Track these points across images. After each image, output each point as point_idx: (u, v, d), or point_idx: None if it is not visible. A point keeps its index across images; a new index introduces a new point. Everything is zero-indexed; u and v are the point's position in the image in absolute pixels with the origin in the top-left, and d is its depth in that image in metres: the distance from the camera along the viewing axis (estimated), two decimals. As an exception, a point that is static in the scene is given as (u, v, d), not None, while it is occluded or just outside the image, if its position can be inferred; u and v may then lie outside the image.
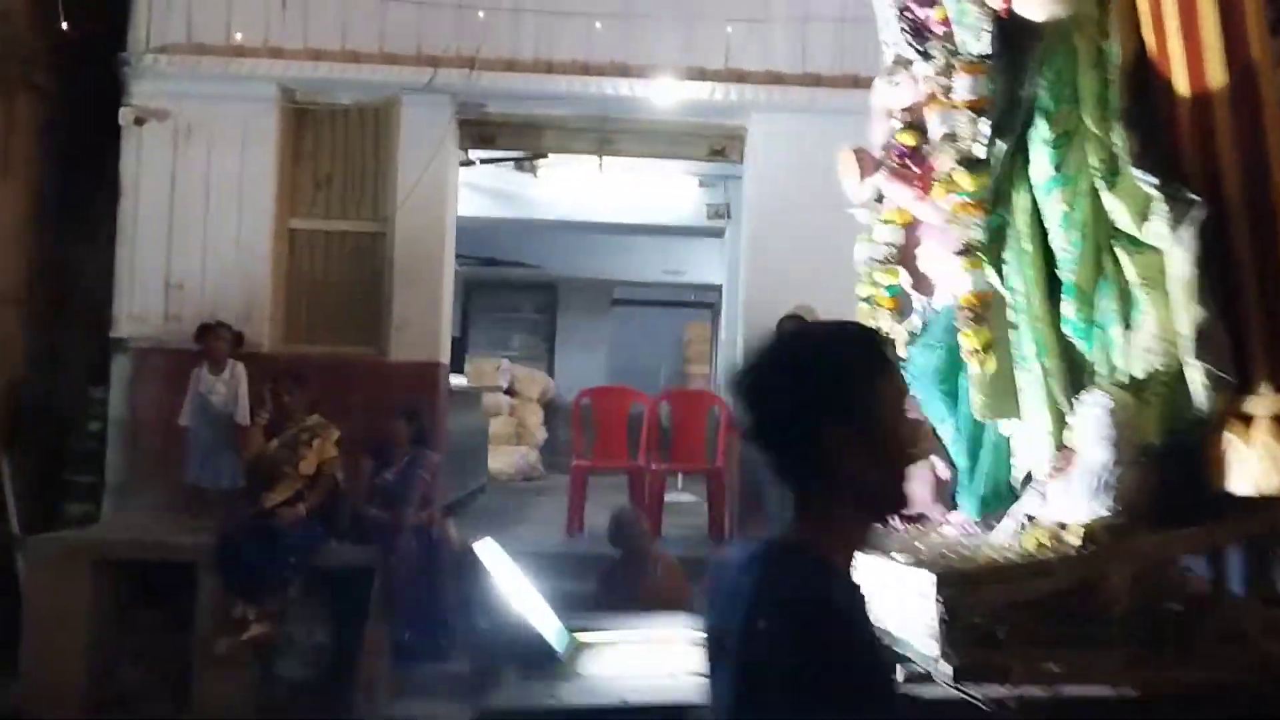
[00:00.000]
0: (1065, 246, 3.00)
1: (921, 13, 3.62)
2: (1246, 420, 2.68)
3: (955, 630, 2.54)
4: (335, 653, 7.04)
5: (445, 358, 8.79)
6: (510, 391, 13.90)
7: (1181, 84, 2.84)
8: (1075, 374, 3.05)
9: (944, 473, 3.78)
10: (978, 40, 3.06)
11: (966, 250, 3.09)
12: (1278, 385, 2.70)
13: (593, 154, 9.36)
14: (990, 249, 3.10)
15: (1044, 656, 2.51)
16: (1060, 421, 3.03)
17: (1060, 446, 3.00)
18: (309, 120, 8.54)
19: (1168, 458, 2.79)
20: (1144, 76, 2.92)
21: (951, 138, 3.17)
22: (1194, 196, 2.73)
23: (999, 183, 3.08)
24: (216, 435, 7.57)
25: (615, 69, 8.19)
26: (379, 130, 8.51)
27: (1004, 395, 3.20)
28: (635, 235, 13.06)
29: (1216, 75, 2.78)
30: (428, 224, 8.44)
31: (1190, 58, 2.79)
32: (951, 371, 3.49)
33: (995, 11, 3.01)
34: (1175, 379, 2.80)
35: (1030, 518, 2.87)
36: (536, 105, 8.58)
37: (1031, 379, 3.12)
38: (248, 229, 8.19)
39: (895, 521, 3.86)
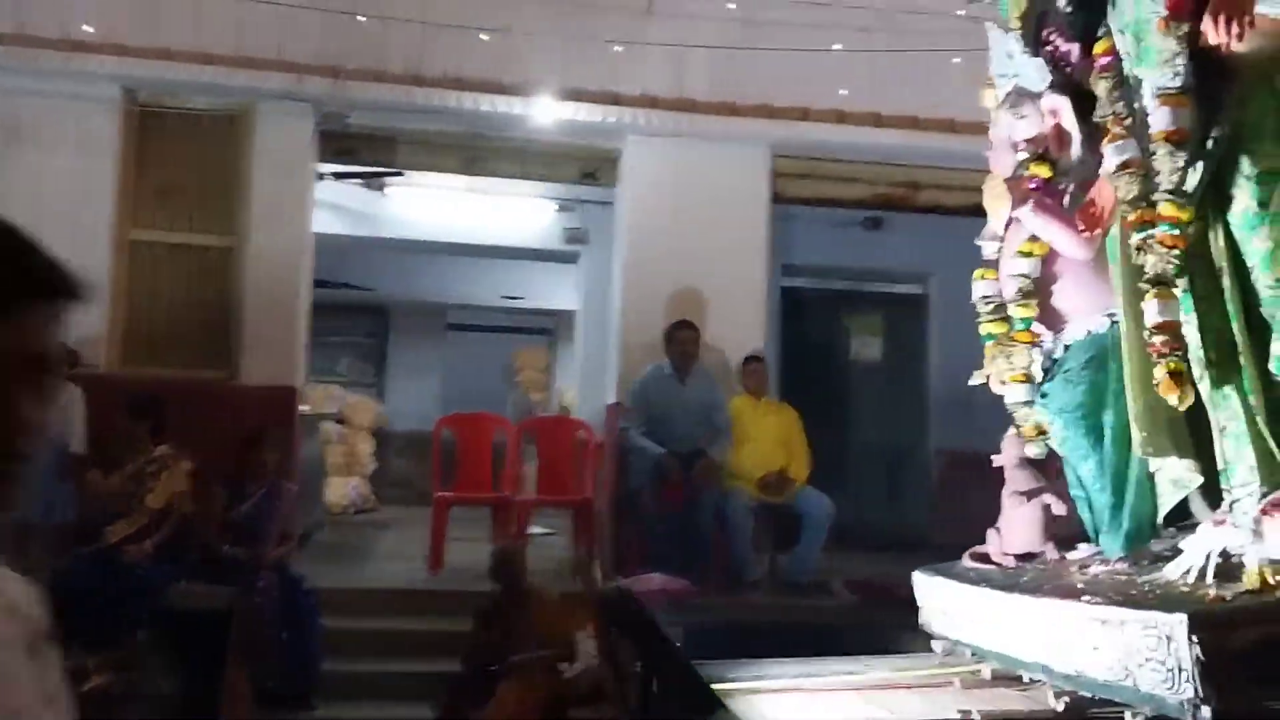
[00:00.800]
0: (1270, 284, 2.92)
1: (1065, 47, 3.58)
2: None
3: (1215, 673, 2.39)
4: (189, 704, 6.44)
5: (300, 382, 8.27)
6: (340, 419, 13.30)
7: None
8: (1277, 413, 2.97)
9: (1060, 509, 3.68)
10: (1170, 73, 3.00)
11: (1159, 281, 3.00)
12: None
13: (459, 172, 9.03)
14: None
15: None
16: (1269, 459, 2.94)
17: (1272, 484, 2.90)
18: (155, 124, 7.91)
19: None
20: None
21: (1130, 167, 3.11)
22: None
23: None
24: (48, 465, 6.85)
25: (489, 85, 7.90)
26: (233, 138, 7.96)
27: (1165, 431, 3.12)
28: (475, 258, 12.70)
29: None
30: (284, 239, 7.93)
31: None
32: (1096, 407, 3.41)
33: (1188, 45, 2.97)
34: None
35: (1226, 555, 2.76)
36: (404, 119, 8.22)
37: (1232, 416, 3.02)
38: (84, 239, 7.46)
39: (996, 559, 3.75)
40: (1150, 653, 2.53)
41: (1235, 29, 2.81)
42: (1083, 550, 3.56)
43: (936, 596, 3.66)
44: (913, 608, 3.83)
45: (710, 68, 8.09)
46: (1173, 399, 2.98)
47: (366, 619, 7.12)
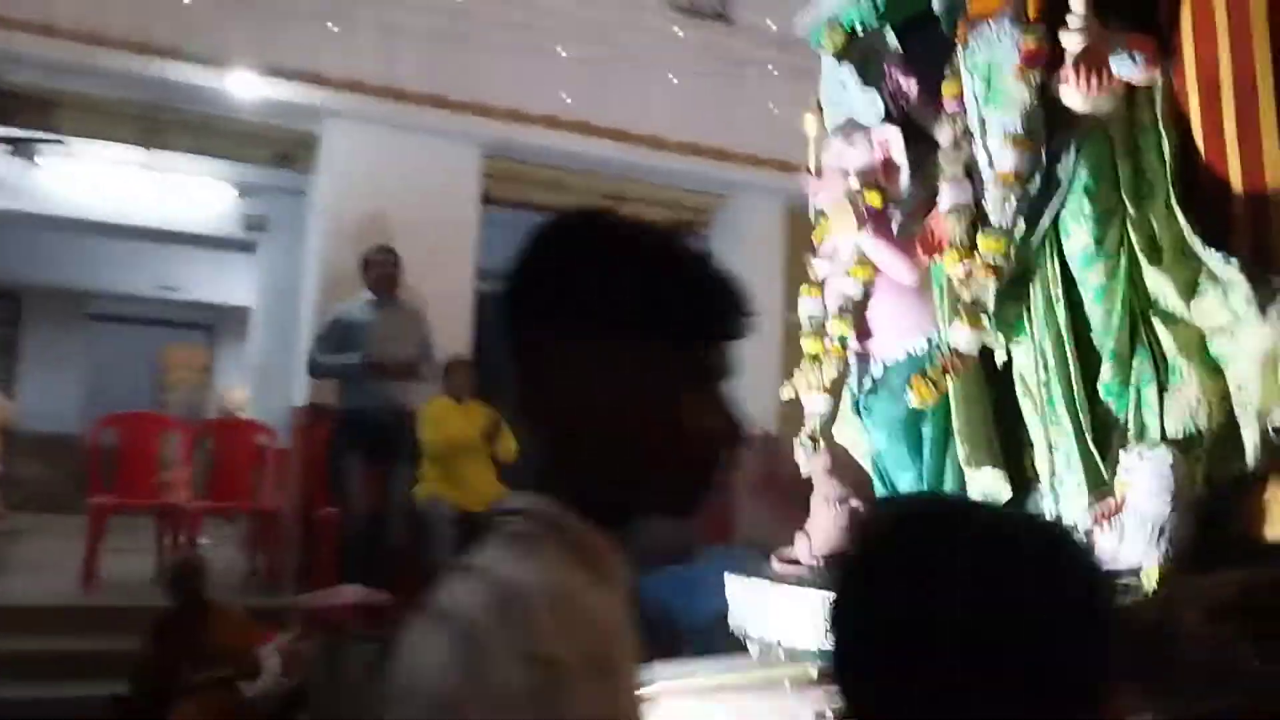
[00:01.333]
0: (1101, 316, 3.09)
1: (905, 82, 3.69)
2: None
3: None
4: None
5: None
6: (-39, 416, 11.76)
7: (1236, 176, 3.01)
8: (1103, 431, 3.12)
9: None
10: (1020, 117, 3.11)
11: (973, 308, 3.12)
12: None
13: (135, 144, 8.16)
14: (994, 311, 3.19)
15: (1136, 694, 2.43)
16: (1096, 473, 3.08)
17: (1097, 496, 3.05)
18: None
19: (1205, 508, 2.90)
20: (1192, 167, 3.08)
21: (958, 210, 3.22)
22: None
23: (1025, 253, 3.16)
24: None
25: (179, 53, 7.17)
26: None
27: (984, 446, 3.29)
28: (131, 241, 11.57)
29: (1274, 171, 2.98)
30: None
31: (1246, 156, 2.99)
32: (915, 422, 3.50)
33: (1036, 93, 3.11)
34: (1217, 438, 2.96)
35: None
36: (73, 80, 7.32)
37: (1062, 433, 3.15)
38: None
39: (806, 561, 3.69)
40: None
41: (1095, 83, 2.98)
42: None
43: (752, 599, 3.59)
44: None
45: (423, 57, 7.73)
46: (918, 401, 3.20)
47: (12, 640, 6.28)
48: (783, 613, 3.47)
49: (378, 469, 6.88)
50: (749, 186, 8.76)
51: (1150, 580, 2.79)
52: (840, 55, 4.01)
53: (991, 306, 3.14)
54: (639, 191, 8.52)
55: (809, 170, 4.01)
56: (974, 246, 3.19)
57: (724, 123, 8.40)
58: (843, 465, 3.94)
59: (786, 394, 3.93)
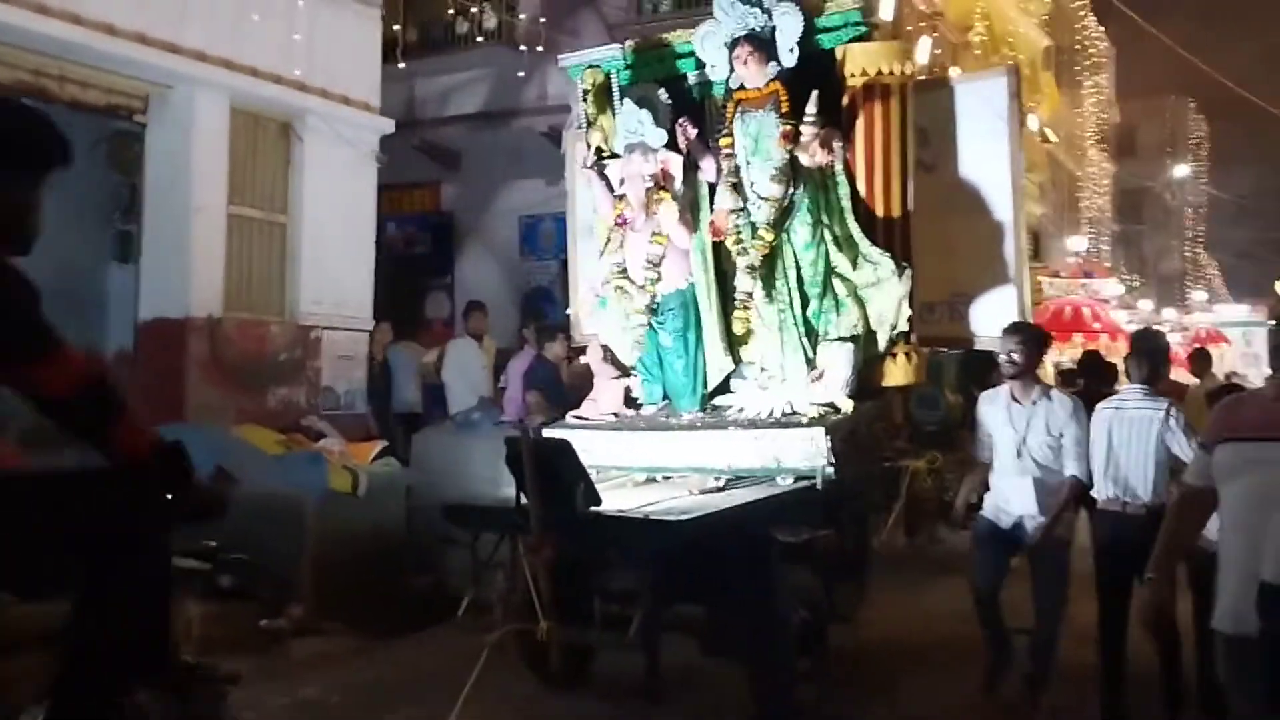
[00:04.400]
0: (811, 276, 5.77)
1: (685, 128, 6.00)
2: (894, 355, 5.79)
3: (834, 453, 5.04)
4: None
5: None
6: None
7: (880, 206, 5.91)
8: (811, 336, 5.82)
9: (636, 389, 6.01)
10: (779, 164, 5.76)
11: (751, 270, 5.76)
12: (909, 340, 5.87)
13: None
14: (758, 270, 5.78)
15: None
16: (808, 358, 5.75)
17: (812, 369, 5.73)
18: None
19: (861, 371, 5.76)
20: (858, 199, 5.87)
21: (735, 214, 5.87)
22: (904, 263, 5.72)
23: (776, 242, 5.78)
24: None
25: None
26: None
27: (728, 348, 6.07)
28: None
29: (895, 205, 5.91)
30: None
31: (885, 195, 5.92)
32: (685, 330, 6.03)
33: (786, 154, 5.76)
34: (864, 338, 5.77)
35: (792, 405, 5.63)
36: None
37: (791, 338, 5.73)
38: None
39: (596, 417, 5.94)
40: (802, 446, 5.23)
41: (817, 154, 5.68)
42: (651, 410, 6.11)
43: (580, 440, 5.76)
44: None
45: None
46: (739, 329, 5.80)
47: None
48: (620, 446, 5.88)
49: None
50: (196, 80, 8.80)
51: (847, 409, 5.63)
52: (595, 92, 6.43)
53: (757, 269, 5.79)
54: (79, 74, 8.29)
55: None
56: (739, 234, 5.84)
57: (175, 15, 8.56)
58: (613, 357, 6.42)
59: (588, 323, 6.39)
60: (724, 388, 6.14)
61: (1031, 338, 5.51)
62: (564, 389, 8.42)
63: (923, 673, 5.94)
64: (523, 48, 13.13)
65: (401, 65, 12.57)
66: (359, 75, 10.29)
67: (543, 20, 13.40)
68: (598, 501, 4.77)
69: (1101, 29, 30.85)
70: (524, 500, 4.74)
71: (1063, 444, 5.28)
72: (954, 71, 13.47)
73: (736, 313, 5.88)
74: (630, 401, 6.33)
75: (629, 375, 6.37)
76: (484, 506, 5.46)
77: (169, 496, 2.23)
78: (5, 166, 2.22)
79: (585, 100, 6.60)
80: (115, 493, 2.20)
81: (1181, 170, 40.71)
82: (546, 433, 5.77)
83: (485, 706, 4.68)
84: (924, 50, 13.04)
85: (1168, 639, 4.80)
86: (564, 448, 4.81)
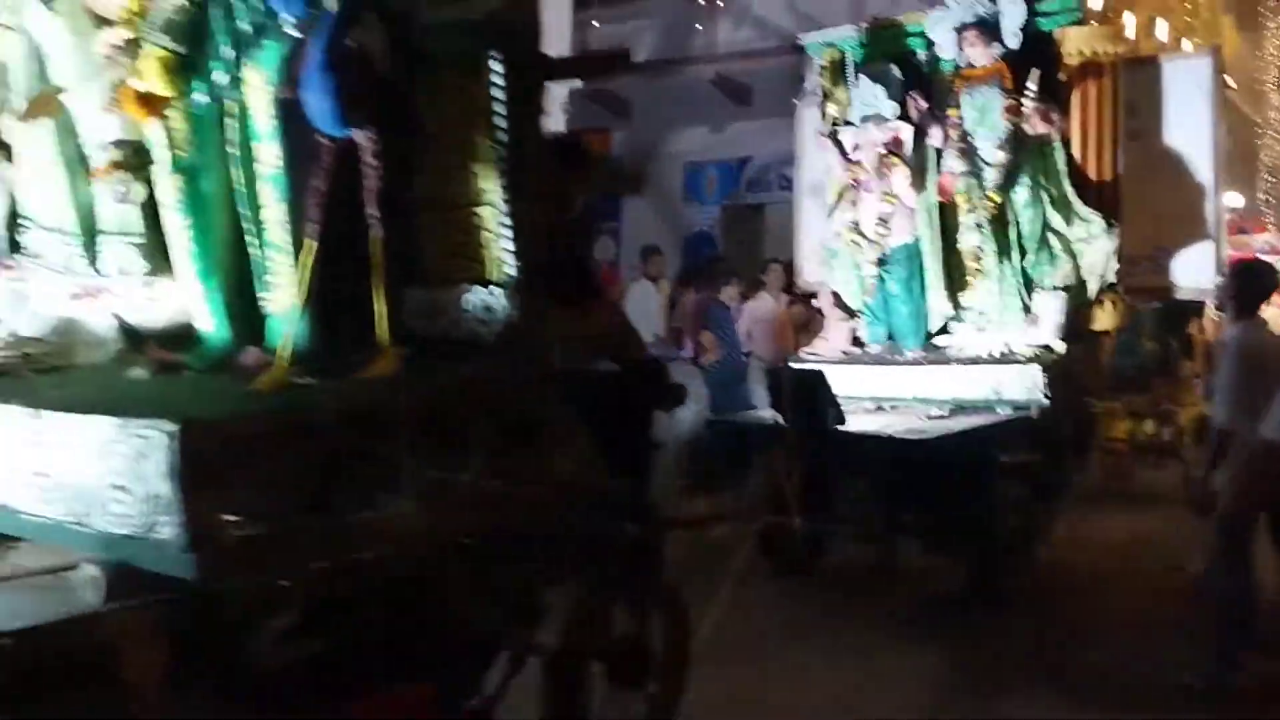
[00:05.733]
0: (1030, 232, 6.71)
1: (916, 101, 6.90)
2: (1101, 303, 6.60)
3: (1054, 391, 5.93)
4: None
5: None
6: None
7: (1092, 171, 6.74)
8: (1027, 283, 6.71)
9: (862, 329, 7.01)
10: (1006, 134, 6.63)
11: (978, 227, 6.76)
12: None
13: None
14: None
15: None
16: (1023, 303, 6.66)
17: (1027, 314, 6.66)
18: None
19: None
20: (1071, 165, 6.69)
21: (965, 173, 6.80)
22: (1113, 220, 6.53)
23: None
24: None
25: None
26: None
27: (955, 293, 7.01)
28: None
29: (1109, 169, 6.73)
30: None
31: (1099, 160, 6.72)
32: (910, 278, 6.92)
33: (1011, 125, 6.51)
34: (1075, 288, 6.65)
35: (1008, 345, 6.53)
36: None
37: (1010, 286, 6.70)
38: None
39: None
40: (1020, 381, 6.10)
41: (1040, 124, 6.43)
42: (876, 348, 7.03)
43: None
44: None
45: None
46: (967, 278, 6.64)
47: None
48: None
49: None
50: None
51: (1059, 350, 6.43)
52: (832, 68, 7.30)
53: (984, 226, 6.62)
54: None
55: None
56: (967, 195, 6.66)
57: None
58: (842, 301, 7.34)
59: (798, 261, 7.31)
60: (942, 330, 7.01)
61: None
62: (734, 330, 9.27)
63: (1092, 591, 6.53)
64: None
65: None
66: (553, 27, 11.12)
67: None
68: (844, 422, 5.76)
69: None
70: (780, 420, 5.77)
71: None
72: (1160, 31, 13.62)
73: (966, 263, 6.75)
74: (855, 341, 7.25)
75: (855, 317, 7.30)
76: (743, 423, 6.52)
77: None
78: None
79: (822, 75, 7.50)
80: (639, 388, 3.34)
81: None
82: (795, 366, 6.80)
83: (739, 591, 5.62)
84: (1131, 26, 13.17)
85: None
86: (819, 377, 5.80)
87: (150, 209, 3.02)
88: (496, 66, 2.86)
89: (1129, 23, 12.70)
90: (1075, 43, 6.64)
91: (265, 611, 2.28)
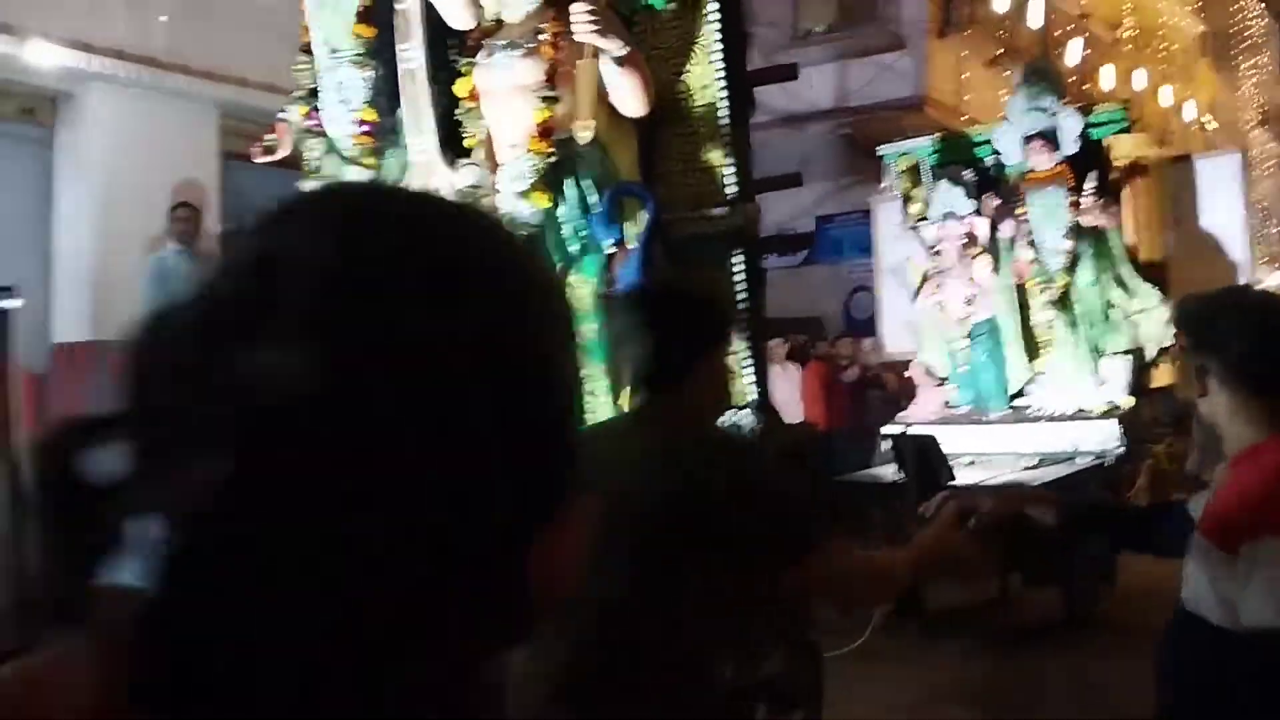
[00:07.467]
0: (1095, 307, 8.04)
1: (994, 201, 8.30)
2: (1157, 364, 7.77)
3: (1125, 440, 7.16)
4: None
5: None
6: None
7: (1144, 252, 7.83)
8: (1094, 350, 7.95)
9: (950, 394, 8.26)
10: (1063, 228, 7.85)
11: (1050, 304, 7.93)
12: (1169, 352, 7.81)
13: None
14: None
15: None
16: (1092, 367, 7.78)
17: (1095, 375, 7.77)
18: None
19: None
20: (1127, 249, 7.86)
21: (1038, 260, 7.86)
22: (1165, 293, 7.70)
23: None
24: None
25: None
26: None
27: (1031, 360, 7.96)
28: None
29: (1156, 251, 7.85)
30: None
31: (1147, 245, 7.78)
32: (993, 348, 8.09)
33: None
34: (1136, 352, 7.92)
35: (1080, 404, 7.63)
36: None
37: (1081, 352, 7.85)
38: None
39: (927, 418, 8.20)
40: (1095, 434, 7.30)
41: (1101, 219, 7.69)
42: (964, 410, 8.25)
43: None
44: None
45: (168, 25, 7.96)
46: (1040, 347, 7.87)
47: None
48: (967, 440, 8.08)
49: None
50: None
51: (1126, 405, 7.64)
52: (908, 172, 8.60)
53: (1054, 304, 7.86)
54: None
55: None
56: (1038, 279, 7.92)
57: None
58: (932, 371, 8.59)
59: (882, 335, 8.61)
60: (1019, 393, 8.25)
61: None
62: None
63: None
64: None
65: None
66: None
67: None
68: (953, 478, 6.98)
69: (1262, 4, 29.67)
70: (903, 477, 7.01)
71: None
72: (1187, 105, 13.87)
73: (1040, 334, 8.01)
74: (945, 404, 8.49)
75: (944, 384, 8.54)
76: (868, 481, 7.75)
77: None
78: None
79: (899, 178, 8.83)
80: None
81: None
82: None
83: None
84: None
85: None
86: (933, 441, 7.02)
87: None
88: (737, 261, 4.20)
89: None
90: (1124, 148, 7.97)
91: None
